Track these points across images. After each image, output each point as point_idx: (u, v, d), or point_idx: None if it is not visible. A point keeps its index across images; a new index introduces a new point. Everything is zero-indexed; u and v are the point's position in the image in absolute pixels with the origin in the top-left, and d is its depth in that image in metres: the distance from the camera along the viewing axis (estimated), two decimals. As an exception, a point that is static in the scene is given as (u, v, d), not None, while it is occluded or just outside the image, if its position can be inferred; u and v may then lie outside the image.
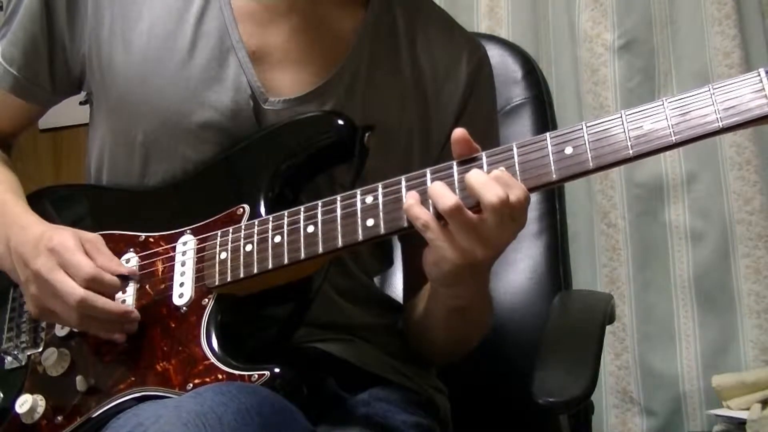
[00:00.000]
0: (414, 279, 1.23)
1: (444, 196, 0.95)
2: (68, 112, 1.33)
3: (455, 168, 0.99)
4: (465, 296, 1.07)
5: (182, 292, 1.07)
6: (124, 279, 1.07)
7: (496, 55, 1.54)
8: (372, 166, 1.11)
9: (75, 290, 1.04)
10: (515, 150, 0.97)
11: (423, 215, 0.97)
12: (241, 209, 1.09)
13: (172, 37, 1.15)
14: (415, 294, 1.22)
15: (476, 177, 0.95)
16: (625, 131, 0.92)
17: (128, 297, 1.09)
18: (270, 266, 1.03)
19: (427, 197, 0.97)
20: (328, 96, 1.16)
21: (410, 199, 0.98)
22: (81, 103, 1.27)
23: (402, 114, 1.20)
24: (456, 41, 1.26)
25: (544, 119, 1.56)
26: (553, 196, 1.53)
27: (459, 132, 0.99)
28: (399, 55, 1.21)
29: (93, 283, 1.04)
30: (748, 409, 1.94)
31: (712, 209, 2.12)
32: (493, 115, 1.30)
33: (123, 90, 1.16)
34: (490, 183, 0.94)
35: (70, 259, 1.05)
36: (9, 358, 1.15)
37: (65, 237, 1.07)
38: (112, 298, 1.06)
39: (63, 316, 1.07)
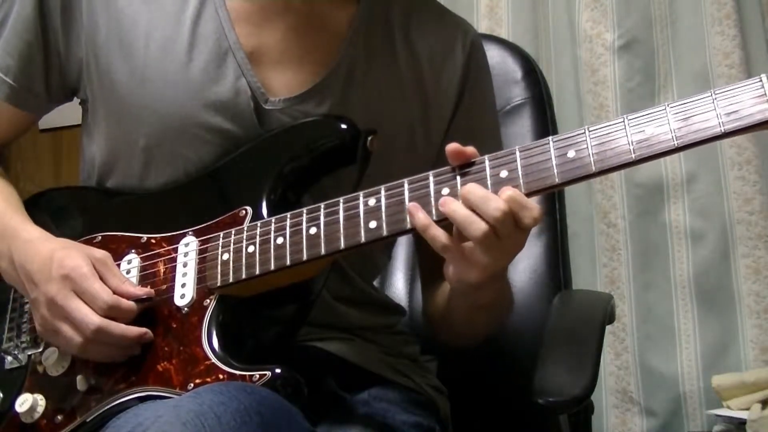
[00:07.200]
0: (432, 265, 1.20)
1: (475, 222, 0.95)
2: (68, 112, 1.32)
3: (458, 172, 0.99)
4: (488, 296, 1.07)
5: (184, 292, 1.07)
6: (140, 302, 1.06)
7: (496, 55, 1.54)
8: (376, 165, 1.11)
9: (92, 319, 1.03)
10: (518, 154, 0.97)
11: (441, 237, 0.97)
12: (244, 211, 1.09)
13: (170, 41, 1.15)
14: (434, 279, 1.22)
15: (475, 193, 0.96)
16: (627, 135, 0.92)
17: None
18: (272, 267, 1.03)
19: (429, 201, 0.98)
20: (327, 92, 1.16)
21: (423, 219, 0.97)
22: (81, 103, 1.27)
23: (402, 105, 1.21)
24: (448, 26, 1.27)
25: (544, 119, 1.56)
26: (553, 196, 1.53)
27: (452, 146, 0.99)
28: (395, 46, 1.22)
29: (111, 312, 1.03)
30: (748, 409, 1.94)
31: (712, 209, 2.11)
32: (490, 97, 1.31)
33: (123, 95, 1.16)
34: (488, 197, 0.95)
35: (88, 288, 1.04)
36: (9, 358, 1.15)
37: (78, 262, 1.05)
38: (126, 322, 1.05)
39: (67, 339, 1.05)
